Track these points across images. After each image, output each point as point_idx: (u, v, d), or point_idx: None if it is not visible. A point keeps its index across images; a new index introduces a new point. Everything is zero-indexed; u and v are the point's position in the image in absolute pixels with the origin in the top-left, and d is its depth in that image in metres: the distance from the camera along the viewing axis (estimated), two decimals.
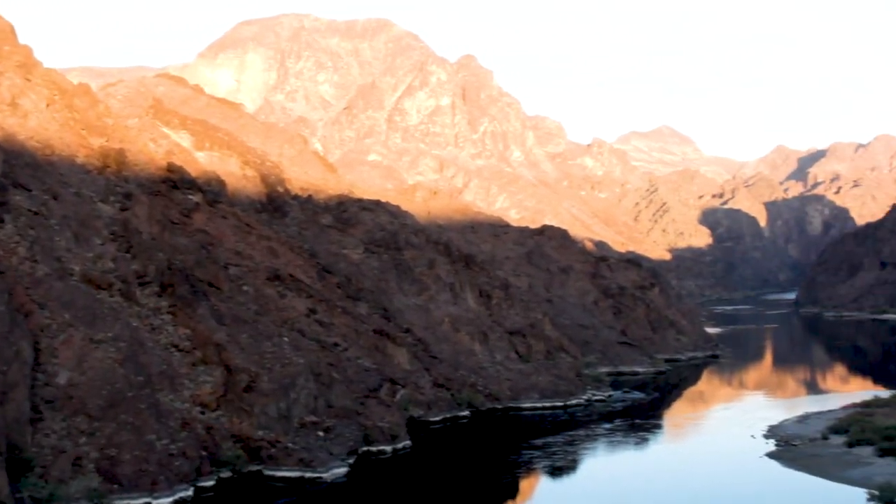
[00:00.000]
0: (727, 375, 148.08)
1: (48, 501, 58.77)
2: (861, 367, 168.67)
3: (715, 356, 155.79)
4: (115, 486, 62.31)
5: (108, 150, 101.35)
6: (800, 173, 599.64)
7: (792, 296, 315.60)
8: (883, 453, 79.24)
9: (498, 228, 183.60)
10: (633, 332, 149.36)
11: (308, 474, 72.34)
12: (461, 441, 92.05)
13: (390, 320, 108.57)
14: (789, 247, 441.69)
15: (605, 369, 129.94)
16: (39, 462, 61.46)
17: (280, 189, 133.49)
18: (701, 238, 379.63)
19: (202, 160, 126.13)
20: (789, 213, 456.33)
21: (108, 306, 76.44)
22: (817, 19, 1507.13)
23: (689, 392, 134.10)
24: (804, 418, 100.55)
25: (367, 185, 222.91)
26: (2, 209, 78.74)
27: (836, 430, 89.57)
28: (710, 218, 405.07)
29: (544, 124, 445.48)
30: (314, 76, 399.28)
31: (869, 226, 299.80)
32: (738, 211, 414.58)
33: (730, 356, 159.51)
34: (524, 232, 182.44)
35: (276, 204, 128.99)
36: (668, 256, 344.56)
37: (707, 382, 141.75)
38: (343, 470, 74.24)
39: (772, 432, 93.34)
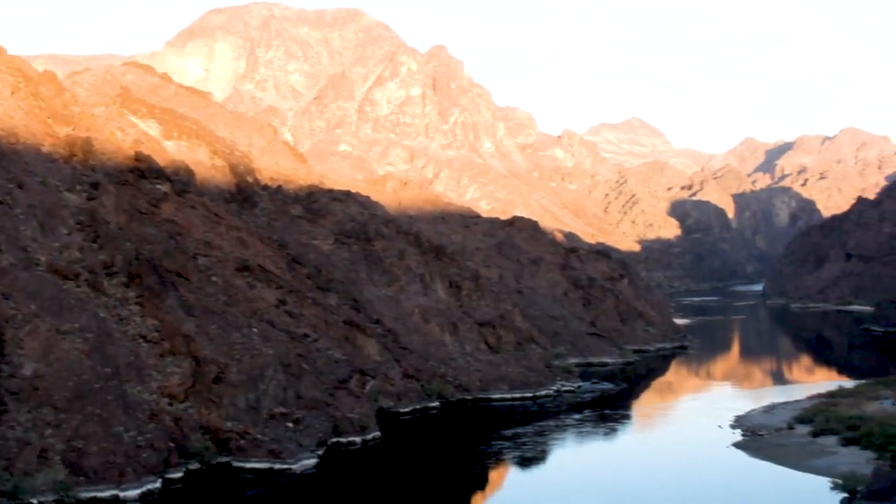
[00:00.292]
0: (695, 366, 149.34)
1: (13, 494, 58.17)
2: (826, 357, 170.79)
3: (683, 347, 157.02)
4: (82, 478, 61.84)
5: (75, 138, 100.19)
6: (767, 165, 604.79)
7: (759, 287, 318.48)
8: (847, 443, 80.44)
9: (468, 219, 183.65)
10: (603, 323, 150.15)
11: (277, 466, 72.17)
12: (431, 432, 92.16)
13: (360, 311, 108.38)
14: (756, 238, 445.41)
15: (574, 360, 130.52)
16: (4, 454, 60.83)
17: (249, 179, 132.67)
18: (670, 229, 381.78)
19: (170, 149, 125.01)
20: (757, 205, 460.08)
21: (75, 297, 75.68)
22: (785, 13, 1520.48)
23: (658, 383, 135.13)
24: (770, 408, 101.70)
25: (337, 176, 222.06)
26: None
27: (802, 419, 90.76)
28: (678, 210, 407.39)
29: (515, 115, 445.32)
30: (284, 65, 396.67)
31: (835, 218, 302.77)
32: (707, 203, 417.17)
33: (698, 347, 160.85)
34: (494, 223, 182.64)
35: (245, 194, 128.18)
36: (637, 248, 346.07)
37: (675, 373, 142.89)
38: (312, 461, 74.10)
39: (738, 422, 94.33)
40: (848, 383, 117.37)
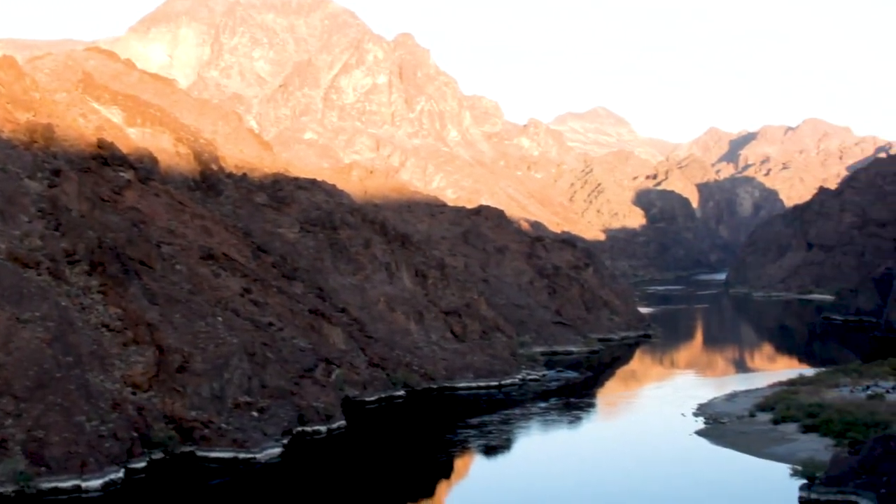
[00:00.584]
0: (659, 355, 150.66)
1: None
2: (787, 346, 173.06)
3: (647, 336, 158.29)
4: (43, 468, 61.28)
5: (36, 124, 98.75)
6: (731, 155, 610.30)
7: (722, 276, 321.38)
8: (806, 430, 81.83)
9: (434, 208, 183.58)
10: (568, 311, 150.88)
11: (242, 455, 71.94)
12: (396, 421, 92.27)
13: (326, 300, 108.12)
14: (720, 228, 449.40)
15: (539, 349, 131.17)
16: None
17: (214, 167, 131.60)
18: (634, 219, 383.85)
19: (134, 136, 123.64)
20: (720, 195, 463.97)
21: (36, 285, 74.80)
22: (748, 4, 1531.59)
23: (622, 371, 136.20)
24: (732, 396, 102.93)
25: (302, 164, 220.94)
26: None
27: (763, 407, 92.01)
28: (643, 199, 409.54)
29: (481, 104, 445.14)
30: (249, 52, 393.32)
31: (797, 208, 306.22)
32: (671, 192, 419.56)
33: (662, 336, 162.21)
34: (460, 212, 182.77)
35: (209, 182, 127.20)
36: (602, 237, 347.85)
37: (639, 362, 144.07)
38: (277, 450, 73.95)
39: (701, 410, 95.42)
40: (808, 371, 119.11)
